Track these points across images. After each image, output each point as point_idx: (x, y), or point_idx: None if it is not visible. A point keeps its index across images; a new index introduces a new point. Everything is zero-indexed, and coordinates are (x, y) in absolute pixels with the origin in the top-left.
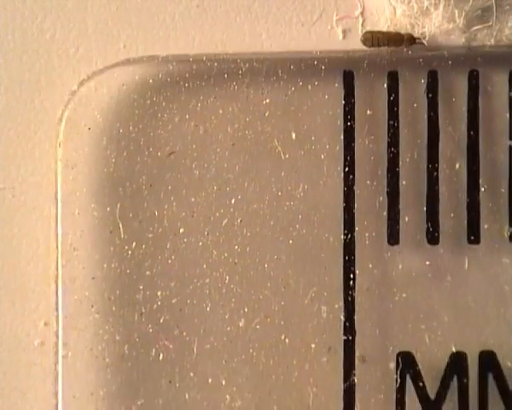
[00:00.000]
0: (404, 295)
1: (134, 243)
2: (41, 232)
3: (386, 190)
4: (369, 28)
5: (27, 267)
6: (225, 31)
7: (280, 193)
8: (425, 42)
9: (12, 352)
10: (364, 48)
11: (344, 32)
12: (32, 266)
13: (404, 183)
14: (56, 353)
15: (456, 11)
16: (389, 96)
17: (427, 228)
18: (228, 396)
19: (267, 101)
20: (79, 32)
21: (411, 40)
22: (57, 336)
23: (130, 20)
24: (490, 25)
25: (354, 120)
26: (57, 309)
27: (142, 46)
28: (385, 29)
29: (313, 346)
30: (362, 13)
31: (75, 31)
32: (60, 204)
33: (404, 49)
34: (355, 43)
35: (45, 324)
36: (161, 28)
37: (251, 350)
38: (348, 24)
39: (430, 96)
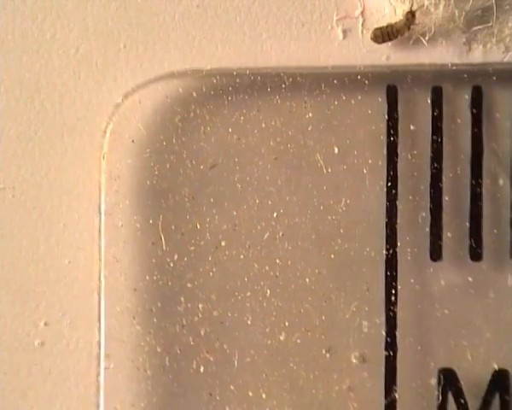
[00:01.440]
0: (446, 311)
1: (176, 255)
2: (42, 235)
3: (428, 205)
4: (371, 26)
5: (27, 268)
6: (225, 31)
7: (322, 207)
8: (425, 41)
9: (12, 352)
10: (409, 62)
11: (344, 32)
12: (33, 267)
13: (446, 198)
14: (98, 364)
15: (457, 11)
16: (433, 111)
17: (470, 244)
18: None
19: (310, 115)
20: (79, 33)
21: (411, 17)
22: (99, 348)
23: (131, 20)
24: (490, 25)
25: (397, 134)
26: (99, 320)
27: (143, 46)
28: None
29: (354, 361)
30: (362, 13)
31: (75, 31)
32: (103, 215)
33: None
34: (355, 44)
35: (45, 324)
36: (161, 28)
37: (291, 364)
38: (348, 24)
39: (474, 111)
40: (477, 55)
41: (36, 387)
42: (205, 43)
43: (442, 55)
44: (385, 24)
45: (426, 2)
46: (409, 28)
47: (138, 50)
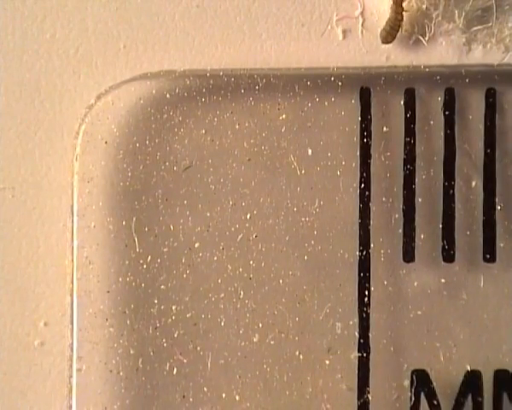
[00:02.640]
0: (419, 312)
1: (149, 257)
2: (42, 235)
3: (401, 207)
4: (371, 26)
5: (27, 268)
6: (225, 31)
7: (295, 209)
8: (425, 42)
9: (12, 352)
10: (381, 64)
11: (344, 32)
12: (33, 267)
13: (419, 200)
14: (71, 366)
15: (456, 11)
16: (406, 113)
17: (443, 246)
18: None
19: (283, 116)
20: (79, 33)
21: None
22: (72, 350)
23: (131, 20)
24: (490, 25)
25: (370, 136)
26: (72, 322)
27: (142, 46)
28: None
29: (327, 362)
30: (362, 13)
31: (75, 31)
32: (76, 217)
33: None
34: (355, 44)
35: (45, 324)
36: (161, 28)
37: (265, 366)
38: (348, 24)
39: (447, 113)
40: (477, 56)
41: (36, 387)
42: (205, 43)
43: (442, 55)
44: (383, 25)
45: (426, 3)
46: (400, 13)
47: (138, 51)
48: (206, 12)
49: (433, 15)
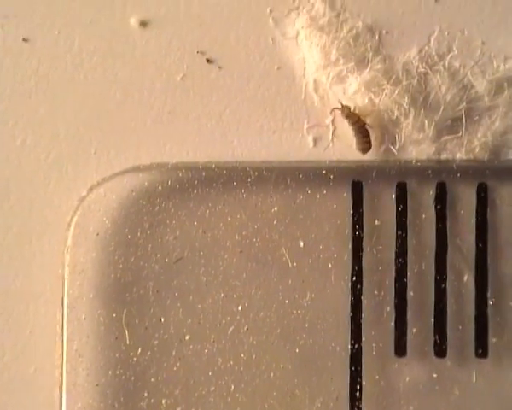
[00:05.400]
0: (411, 407)
1: (139, 350)
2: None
3: (393, 300)
4: (341, 134)
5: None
6: (196, 137)
7: (287, 301)
8: (395, 151)
9: None
10: (373, 158)
11: (315, 140)
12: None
13: (411, 294)
14: None
15: (426, 121)
16: (397, 206)
17: (435, 340)
18: None
19: (275, 209)
20: (50, 139)
21: (348, 111)
22: None
23: (102, 126)
24: (459, 135)
25: (362, 229)
26: None
27: (114, 151)
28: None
29: None
30: (332, 121)
31: (46, 136)
32: (66, 309)
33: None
34: (326, 152)
35: None
36: (133, 134)
37: None
38: (319, 132)
39: (438, 207)
40: None
41: None
42: (176, 149)
43: None
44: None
45: (396, 112)
46: (355, 121)
47: (109, 156)
48: (178, 118)
49: (403, 125)
